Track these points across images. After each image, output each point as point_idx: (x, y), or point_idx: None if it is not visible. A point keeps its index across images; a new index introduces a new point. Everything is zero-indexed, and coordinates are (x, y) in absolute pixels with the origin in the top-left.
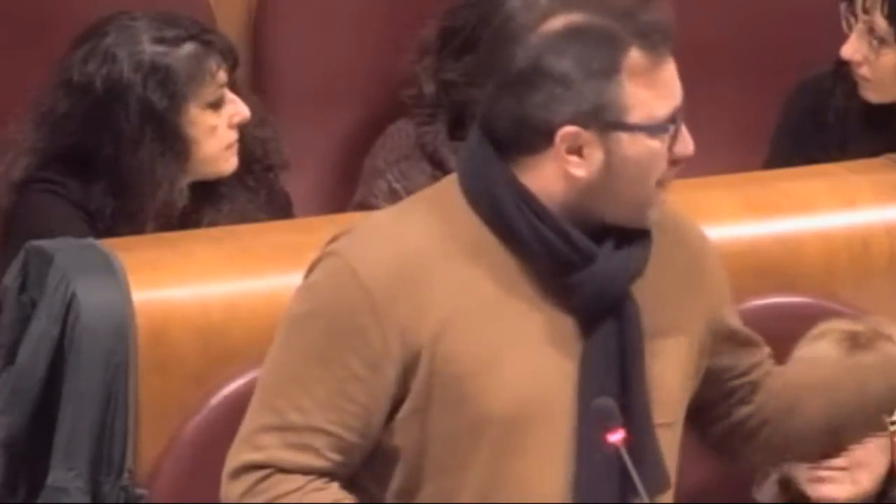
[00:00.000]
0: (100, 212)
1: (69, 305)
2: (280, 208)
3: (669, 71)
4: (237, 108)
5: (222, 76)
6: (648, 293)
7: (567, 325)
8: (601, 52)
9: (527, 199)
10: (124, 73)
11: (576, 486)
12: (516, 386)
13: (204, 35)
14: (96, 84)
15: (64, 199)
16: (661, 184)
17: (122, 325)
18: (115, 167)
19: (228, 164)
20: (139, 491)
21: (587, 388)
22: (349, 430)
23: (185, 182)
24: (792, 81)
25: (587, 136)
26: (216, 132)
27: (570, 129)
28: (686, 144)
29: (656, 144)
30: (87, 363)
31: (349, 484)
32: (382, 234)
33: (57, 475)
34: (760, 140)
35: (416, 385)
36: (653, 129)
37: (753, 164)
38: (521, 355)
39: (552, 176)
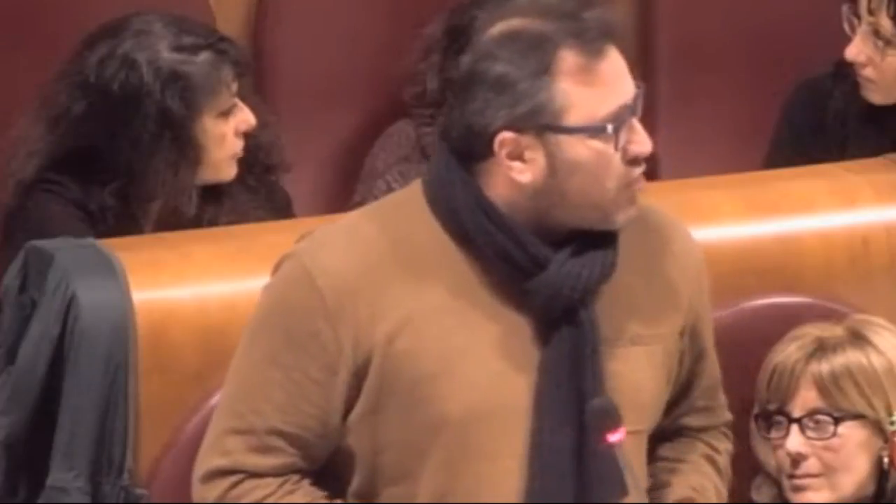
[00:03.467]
0: (100, 212)
1: (69, 305)
2: (280, 208)
3: (610, 68)
4: (245, 117)
5: (235, 86)
6: (621, 298)
7: (524, 330)
8: (532, 54)
9: (483, 206)
10: (144, 79)
11: (531, 490)
12: (471, 390)
13: (219, 43)
14: (114, 88)
15: (63, 199)
16: (627, 185)
17: (122, 326)
18: (128, 171)
19: (230, 171)
20: (139, 491)
21: (543, 394)
22: (307, 431)
23: (195, 190)
24: (792, 81)
25: (526, 140)
26: (225, 140)
27: (507, 134)
28: (641, 143)
29: (600, 145)
30: (87, 363)
31: (317, 480)
32: (341, 238)
33: (57, 475)
34: (760, 140)
35: (368, 387)
36: (591, 130)
37: (753, 164)
38: (477, 360)
39: (501, 182)
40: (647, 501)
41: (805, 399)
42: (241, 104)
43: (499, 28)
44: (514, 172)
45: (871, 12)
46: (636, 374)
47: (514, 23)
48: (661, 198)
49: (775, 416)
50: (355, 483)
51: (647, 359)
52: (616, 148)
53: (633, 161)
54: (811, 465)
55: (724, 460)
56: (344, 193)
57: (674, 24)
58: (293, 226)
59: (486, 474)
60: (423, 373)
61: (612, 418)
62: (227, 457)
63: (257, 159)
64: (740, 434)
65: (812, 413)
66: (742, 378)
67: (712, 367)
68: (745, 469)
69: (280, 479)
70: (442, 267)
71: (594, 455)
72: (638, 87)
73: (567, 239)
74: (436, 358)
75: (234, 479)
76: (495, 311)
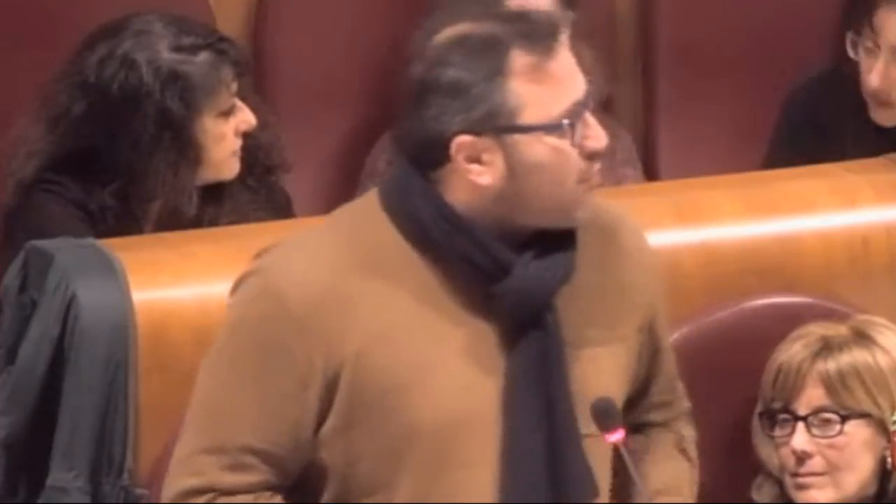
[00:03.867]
0: (101, 212)
1: (69, 305)
2: (280, 208)
3: (562, 65)
4: (245, 116)
5: (234, 85)
6: (581, 299)
7: (491, 336)
8: (484, 57)
9: (443, 210)
10: (143, 79)
11: (505, 495)
12: (442, 399)
13: (219, 43)
14: (114, 88)
15: (63, 199)
16: (583, 181)
17: (122, 325)
18: (128, 171)
19: (232, 169)
20: (139, 491)
21: (511, 400)
22: (280, 447)
23: (195, 189)
24: (791, 82)
25: (483, 142)
26: (225, 139)
27: (464, 138)
28: (596, 137)
29: (556, 142)
30: (87, 363)
31: (290, 495)
32: (305, 252)
33: (57, 475)
34: (760, 140)
35: (339, 401)
36: (547, 128)
37: (753, 164)
38: (446, 368)
39: (461, 187)
40: (609, 503)
41: (811, 397)
42: (240, 104)
43: (447, 33)
44: (474, 175)
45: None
46: (600, 375)
47: (462, 27)
48: (661, 198)
49: (780, 415)
50: (328, 497)
51: (610, 359)
52: (573, 144)
53: (590, 156)
54: (816, 463)
55: (692, 447)
56: (344, 193)
57: (674, 24)
58: (293, 226)
59: (461, 481)
60: (394, 384)
61: (612, 418)
62: (200, 476)
63: (257, 160)
64: (741, 434)
65: (818, 411)
66: (742, 378)
67: (669, 362)
68: (745, 469)
69: (253, 496)
70: (406, 276)
71: (565, 457)
72: (589, 82)
73: (527, 241)
74: (405, 369)
75: (207, 497)
76: (461, 317)
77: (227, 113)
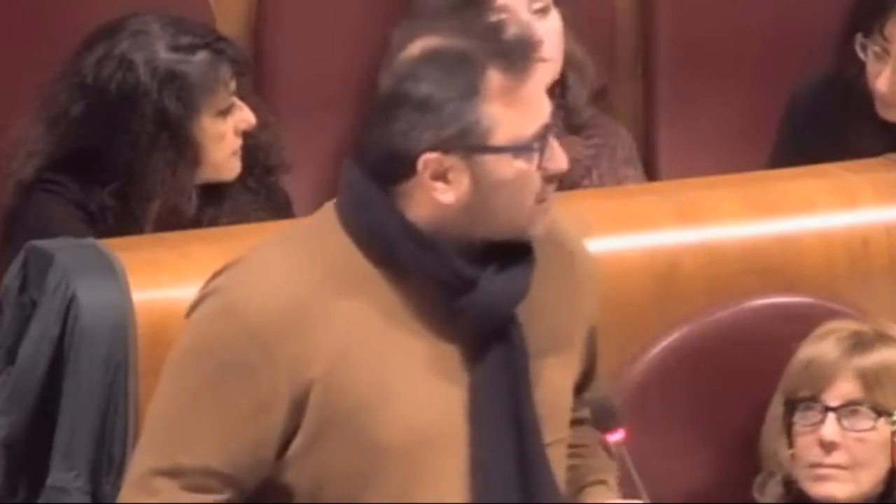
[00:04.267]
0: (100, 212)
1: (69, 305)
2: (280, 208)
3: (533, 88)
4: (244, 115)
5: (233, 84)
6: (535, 310)
7: (455, 351)
8: (458, 75)
9: (405, 227)
10: (141, 79)
11: None
12: (409, 416)
13: (217, 43)
14: (111, 89)
15: (63, 199)
16: (540, 201)
17: (122, 325)
18: (127, 171)
19: (233, 169)
20: None
21: (478, 414)
22: (239, 469)
23: (194, 189)
24: (792, 81)
25: (450, 161)
26: (224, 139)
27: (431, 155)
28: (558, 160)
29: (524, 164)
30: (87, 363)
31: None
32: (264, 270)
33: (57, 475)
34: (760, 140)
35: (307, 422)
36: (518, 150)
37: (753, 164)
38: (412, 385)
39: (423, 203)
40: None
41: (844, 390)
42: (239, 103)
43: (419, 47)
44: (438, 193)
45: None
46: (557, 383)
47: (435, 41)
48: (661, 198)
49: (810, 404)
50: None
51: (563, 368)
52: (538, 166)
53: (549, 178)
54: (841, 455)
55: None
56: None
57: (674, 24)
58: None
59: (432, 497)
60: (361, 403)
61: (613, 418)
62: (156, 496)
63: (257, 160)
64: (741, 433)
65: (850, 404)
66: (742, 378)
67: (601, 365)
68: (746, 469)
69: None
70: (367, 293)
71: (533, 468)
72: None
73: (484, 255)
74: (371, 387)
75: None
76: (424, 333)
77: (226, 112)
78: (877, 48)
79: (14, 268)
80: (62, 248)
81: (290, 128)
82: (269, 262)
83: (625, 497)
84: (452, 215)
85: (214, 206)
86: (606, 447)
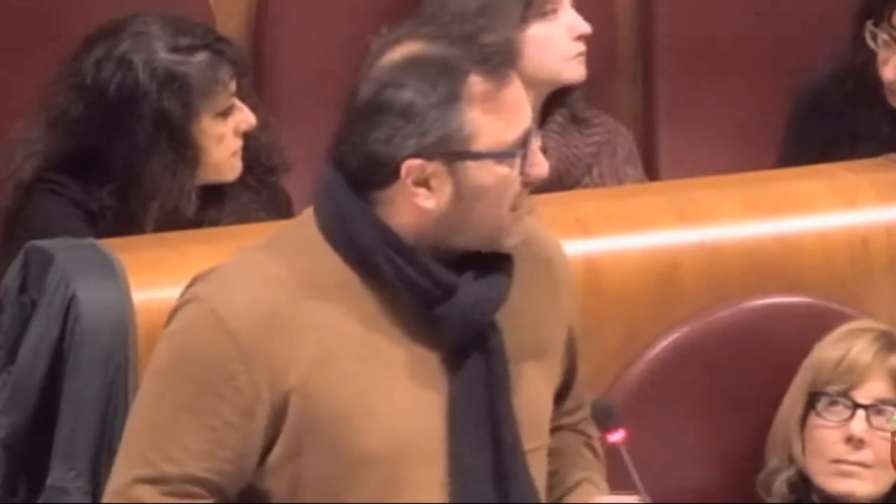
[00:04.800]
0: (101, 212)
1: (69, 305)
2: (281, 208)
3: (514, 93)
4: (244, 116)
5: (233, 85)
6: (514, 317)
7: (433, 359)
8: (440, 81)
9: (385, 235)
10: (140, 80)
11: None
12: (388, 425)
13: (217, 44)
14: (111, 90)
15: (63, 199)
16: (516, 208)
17: (122, 325)
18: (126, 172)
19: (233, 170)
20: None
21: (457, 423)
22: (223, 476)
23: (194, 190)
24: (794, 81)
25: (433, 167)
26: (224, 140)
27: (414, 162)
28: (539, 166)
29: (506, 170)
30: (87, 363)
31: None
32: (244, 277)
33: (57, 475)
34: (760, 140)
35: (287, 429)
36: (501, 156)
37: (753, 164)
38: (391, 393)
39: (404, 209)
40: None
41: (876, 389)
42: (239, 104)
43: (399, 54)
44: (420, 199)
45: None
46: (535, 389)
47: (414, 48)
48: (661, 198)
49: (840, 399)
50: None
51: (542, 374)
52: (520, 172)
53: (528, 183)
54: (867, 453)
55: (598, 445)
56: None
57: (674, 24)
58: None
59: None
60: (340, 412)
61: (613, 418)
62: None
63: (258, 161)
64: (741, 433)
65: (880, 403)
66: (742, 378)
67: (581, 370)
68: (747, 468)
69: None
70: (347, 301)
71: (512, 475)
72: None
73: (463, 261)
74: (350, 395)
75: None
76: (402, 341)
77: (226, 113)
78: (885, 36)
79: (14, 268)
80: (62, 248)
81: (290, 128)
82: (248, 269)
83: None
84: (432, 222)
85: (215, 206)
86: (592, 446)
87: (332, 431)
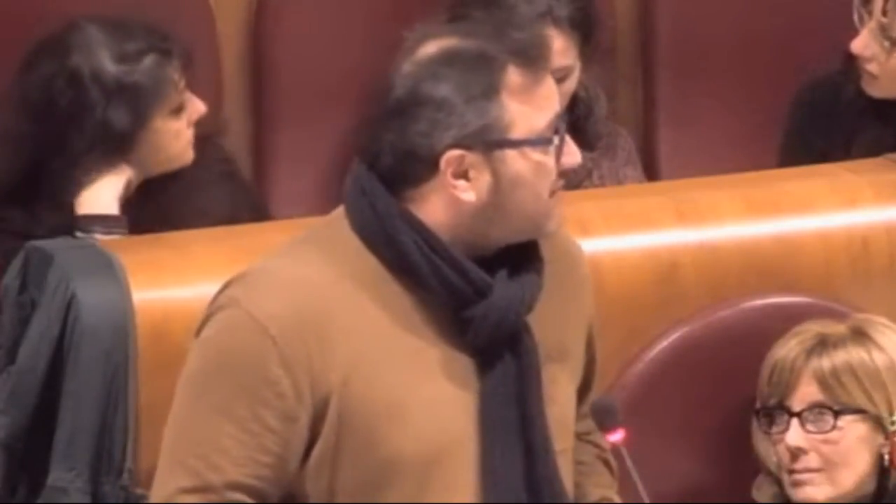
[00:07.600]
0: (50, 235)
1: (69, 305)
2: (232, 174)
3: (547, 84)
4: (196, 107)
5: (182, 82)
6: (541, 316)
7: (466, 359)
8: (479, 73)
9: (422, 233)
10: (91, 94)
11: None
12: (423, 426)
13: (162, 43)
14: (61, 105)
15: (6, 234)
16: (554, 193)
17: (122, 325)
18: (58, 181)
19: (188, 156)
20: (139, 491)
21: (488, 424)
22: (265, 481)
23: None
24: (794, 81)
25: (472, 157)
26: (180, 134)
27: (454, 152)
28: (572, 154)
29: (541, 157)
30: (86, 363)
31: None
32: (278, 280)
33: (57, 475)
34: (760, 140)
35: (326, 431)
36: (538, 142)
37: (753, 164)
38: (426, 394)
39: (441, 205)
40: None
41: (805, 394)
42: (189, 95)
43: (435, 47)
44: (459, 191)
45: (884, 13)
46: (562, 392)
47: (450, 42)
48: (661, 198)
49: (776, 411)
50: None
51: (568, 374)
52: (557, 159)
53: (563, 173)
54: (811, 459)
55: (610, 458)
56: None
57: (674, 24)
58: (293, 225)
59: None
60: (377, 412)
61: (613, 418)
62: None
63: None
64: (741, 434)
65: (811, 407)
66: (742, 378)
67: (598, 374)
68: (746, 469)
69: None
70: (381, 301)
71: (543, 476)
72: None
73: (496, 260)
74: (386, 396)
75: None
76: (436, 341)
77: (179, 109)
78: (863, 12)
79: (14, 268)
80: (62, 248)
81: (291, 128)
82: (282, 272)
83: (624, 497)
84: (469, 217)
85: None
86: (606, 459)
87: (368, 434)
